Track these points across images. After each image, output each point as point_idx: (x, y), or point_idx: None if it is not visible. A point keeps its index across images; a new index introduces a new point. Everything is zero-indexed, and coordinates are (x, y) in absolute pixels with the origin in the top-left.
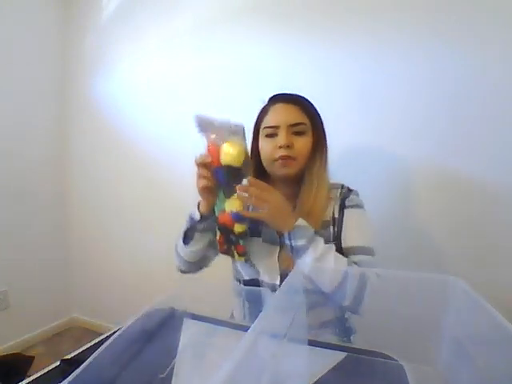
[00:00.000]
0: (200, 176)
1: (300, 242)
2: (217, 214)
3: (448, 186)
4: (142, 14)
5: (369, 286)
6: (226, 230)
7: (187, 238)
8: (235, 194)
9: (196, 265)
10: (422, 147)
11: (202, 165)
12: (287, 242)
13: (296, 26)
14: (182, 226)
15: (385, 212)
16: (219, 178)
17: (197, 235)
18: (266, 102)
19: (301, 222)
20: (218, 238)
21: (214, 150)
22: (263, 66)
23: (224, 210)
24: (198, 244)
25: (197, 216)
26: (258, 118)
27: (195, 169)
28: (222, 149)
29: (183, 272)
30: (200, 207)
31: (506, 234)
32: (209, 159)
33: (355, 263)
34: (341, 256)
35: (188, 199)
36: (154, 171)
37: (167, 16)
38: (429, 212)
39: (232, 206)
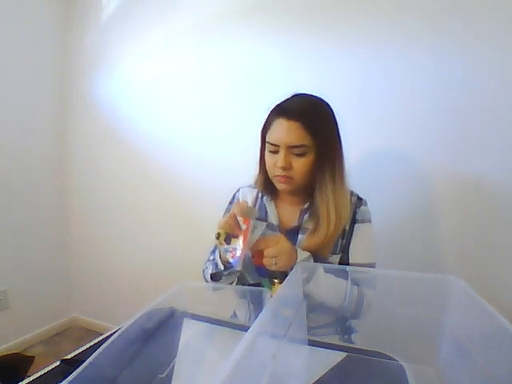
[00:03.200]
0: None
1: (302, 276)
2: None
3: (449, 186)
4: (142, 14)
5: (366, 300)
6: None
7: (214, 278)
8: (276, 282)
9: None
10: (422, 147)
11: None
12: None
13: (296, 25)
14: (208, 264)
15: (384, 212)
16: (261, 273)
17: (223, 278)
18: (271, 108)
19: (300, 256)
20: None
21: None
22: (263, 66)
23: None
24: (226, 282)
25: (221, 266)
26: (264, 127)
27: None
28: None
29: None
30: (222, 258)
31: (507, 234)
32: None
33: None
34: (340, 279)
35: (188, 200)
36: (154, 172)
37: (167, 16)
38: (429, 212)
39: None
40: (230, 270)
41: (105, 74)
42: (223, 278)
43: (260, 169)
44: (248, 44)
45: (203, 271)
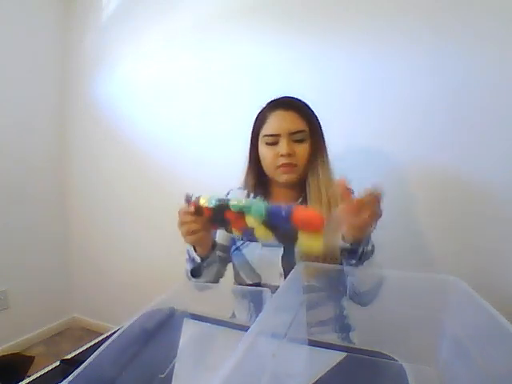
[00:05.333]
0: (186, 224)
1: (369, 247)
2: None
3: (448, 186)
4: (142, 14)
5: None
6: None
7: (195, 274)
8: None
9: (211, 282)
10: (422, 147)
11: (186, 213)
12: (360, 248)
13: (296, 25)
14: (186, 261)
15: (384, 212)
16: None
17: (204, 271)
18: (263, 107)
19: None
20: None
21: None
22: (263, 66)
23: (240, 215)
24: (208, 276)
25: (197, 259)
26: (256, 125)
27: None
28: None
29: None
30: (197, 250)
31: (506, 233)
32: (192, 208)
33: None
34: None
35: None
36: (154, 171)
37: (167, 16)
38: (428, 212)
39: (261, 233)
40: (208, 260)
41: (105, 74)
42: (204, 271)
43: (250, 170)
44: (248, 44)
45: (186, 273)
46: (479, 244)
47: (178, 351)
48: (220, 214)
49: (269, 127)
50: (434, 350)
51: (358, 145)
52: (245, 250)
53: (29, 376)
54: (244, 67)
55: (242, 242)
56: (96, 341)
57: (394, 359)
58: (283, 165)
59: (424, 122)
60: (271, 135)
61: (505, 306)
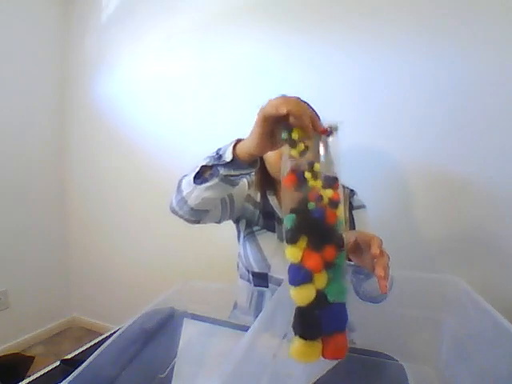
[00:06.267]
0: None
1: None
2: None
3: (448, 186)
4: (142, 14)
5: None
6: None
7: (200, 176)
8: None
9: (194, 214)
10: (421, 147)
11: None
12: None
13: (296, 25)
14: (204, 159)
15: (384, 212)
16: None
17: (214, 180)
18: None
19: None
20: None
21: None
22: (263, 66)
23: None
24: (211, 191)
25: (228, 156)
26: None
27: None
28: None
29: (175, 213)
30: (241, 147)
31: (505, 233)
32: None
33: None
34: None
35: None
36: (154, 171)
37: (167, 16)
38: (429, 212)
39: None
40: (233, 174)
41: (105, 74)
42: (214, 178)
43: (256, 170)
44: (248, 44)
45: (181, 179)
46: (479, 244)
47: (178, 351)
48: (301, 176)
49: None
50: (433, 350)
51: (358, 145)
52: (259, 237)
53: (29, 376)
54: (244, 67)
55: (257, 227)
56: (96, 341)
57: (394, 359)
58: None
59: (424, 122)
60: None
61: (505, 305)
